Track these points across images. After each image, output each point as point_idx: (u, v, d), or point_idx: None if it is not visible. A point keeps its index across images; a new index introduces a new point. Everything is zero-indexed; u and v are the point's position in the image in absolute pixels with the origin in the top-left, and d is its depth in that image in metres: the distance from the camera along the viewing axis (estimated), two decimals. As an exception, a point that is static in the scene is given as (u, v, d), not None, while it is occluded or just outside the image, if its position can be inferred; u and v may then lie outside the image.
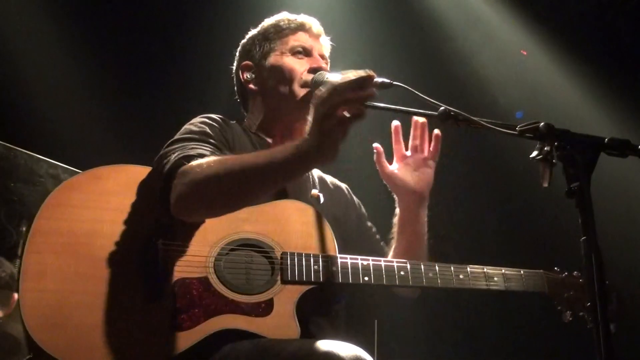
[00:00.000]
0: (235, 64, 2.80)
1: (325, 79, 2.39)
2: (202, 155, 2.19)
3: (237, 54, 2.81)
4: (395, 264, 2.40)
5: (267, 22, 2.79)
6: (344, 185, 2.83)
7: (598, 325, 1.56)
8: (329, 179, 2.79)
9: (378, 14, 5.26)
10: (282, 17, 2.77)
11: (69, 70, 5.04)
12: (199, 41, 5.22)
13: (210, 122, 2.49)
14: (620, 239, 4.49)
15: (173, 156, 2.19)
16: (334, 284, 2.31)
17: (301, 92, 2.58)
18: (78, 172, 3.85)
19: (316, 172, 2.76)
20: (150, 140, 2.87)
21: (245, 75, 2.71)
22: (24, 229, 3.90)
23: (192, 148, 2.25)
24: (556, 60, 5.13)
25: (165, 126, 2.67)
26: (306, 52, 2.68)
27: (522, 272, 2.58)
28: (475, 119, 1.98)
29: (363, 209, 2.82)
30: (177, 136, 2.36)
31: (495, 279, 2.52)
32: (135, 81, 5.09)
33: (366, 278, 2.33)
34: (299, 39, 2.70)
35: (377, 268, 2.36)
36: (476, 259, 2.58)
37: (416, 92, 2.41)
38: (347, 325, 2.55)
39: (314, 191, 2.60)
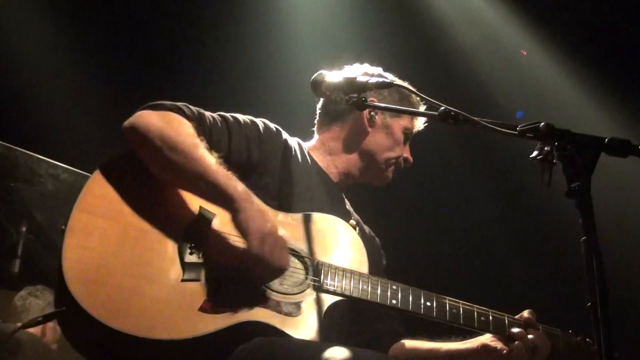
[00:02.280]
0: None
1: (324, 79, 2.39)
2: (188, 117, 2.30)
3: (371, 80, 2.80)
4: (422, 294, 2.44)
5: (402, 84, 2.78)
6: (377, 240, 2.87)
7: (598, 325, 1.56)
8: (367, 228, 2.84)
9: (378, 14, 5.26)
10: (413, 96, 2.81)
11: (70, 71, 5.04)
12: (201, 41, 5.22)
13: (254, 122, 2.53)
14: (620, 239, 4.49)
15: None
16: (363, 301, 2.35)
17: (387, 169, 2.78)
18: (78, 172, 3.89)
19: (355, 215, 2.81)
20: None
21: (367, 110, 2.73)
22: (24, 229, 3.91)
23: (197, 110, 2.37)
24: (556, 60, 5.13)
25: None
26: (408, 137, 2.84)
27: (540, 327, 2.56)
28: (475, 119, 1.98)
29: (385, 262, 2.84)
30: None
31: (514, 330, 2.52)
32: (136, 81, 5.08)
33: (394, 301, 2.38)
34: (416, 123, 2.86)
35: (405, 294, 2.41)
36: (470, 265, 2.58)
37: (416, 92, 2.41)
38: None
39: (352, 221, 2.64)
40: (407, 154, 2.83)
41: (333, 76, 2.37)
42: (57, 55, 5.05)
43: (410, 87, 2.50)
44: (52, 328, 3.99)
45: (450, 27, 5.26)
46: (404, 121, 2.80)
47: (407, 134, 2.82)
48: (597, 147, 1.72)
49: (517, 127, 1.84)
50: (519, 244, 5.28)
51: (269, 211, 2.32)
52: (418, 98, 2.72)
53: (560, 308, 4.73)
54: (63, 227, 2.11)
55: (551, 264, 5.09)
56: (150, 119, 2.25)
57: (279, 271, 2.18)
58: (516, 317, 2.57)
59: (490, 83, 5.24)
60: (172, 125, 2.25)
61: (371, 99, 2.66)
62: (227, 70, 5.16)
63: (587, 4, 5.07)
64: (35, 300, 3.95)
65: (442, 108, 2.03)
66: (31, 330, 4.01)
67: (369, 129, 2.75)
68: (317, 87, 2.40)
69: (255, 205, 2.19)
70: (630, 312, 4.29)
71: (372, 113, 2.75)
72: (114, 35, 5.12)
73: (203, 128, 2.35)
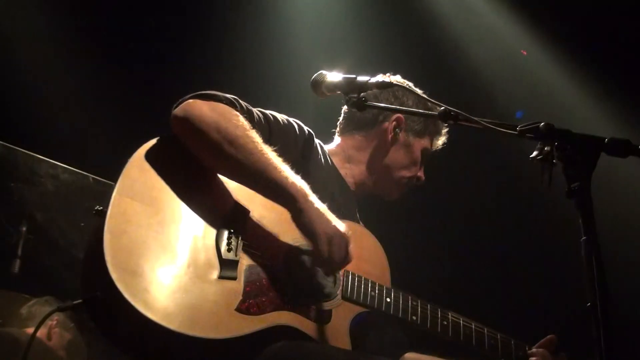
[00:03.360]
0: (383, 91, 2.73)
1: (324, 79, 2.39)
2: (242, 111, 2.27)
3: (401, 91, 2.76)
4: (439, 313, 2.46)
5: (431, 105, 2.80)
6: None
7: (598, 325, 1.56)
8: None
9: (378, 14, 5.26)
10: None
11: (69, 70, 5.04)
12: (201, 41, 5.22)
13: (291, 122, 2.53)
14: (620, 239, 4.48)
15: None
16: (386, 314, 2.37)
17: (406, 185, 2.82)
18: (78, 172, 3.89)
19: (361, 224, 2.79)
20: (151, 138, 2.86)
21: (392, 125, 2.78)
22: (24, 229, 3.91)
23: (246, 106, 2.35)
24: (556, 60, 5.13)
25: (166, 125, 2.66)
26: (425, 157, 2.86)
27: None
28: (475, 119, 1.98)
29: None
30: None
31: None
32: (136, 80, 5.08)
33: (414, 317, 2.41)
34: (435, 145, 2.89)
35: (424, 311, 2.43)
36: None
37: (416, 92, 2.42)
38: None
39: None
40: (421, 173, 2.85)
41: (333, 76, 2.37)
42: (57, 55, 5.05)
43: (411, 88, 2.50)
44: (58, 333, 3.97)
45: (450, 27, 5.26)
46: (425, 141, 2.83)
47: (425, 154, 2.85)
48: (597, 147, 1.72)
49: (517, 127, 1.84)
50: (518, 243, 5.28)
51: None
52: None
53: (561, 308, 4.73)
54: (99, 207, 2.07)
55: (551, 264, 5.09)
56: (203, 109, 2.20)
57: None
58: (540, 341, 2.60)
59: (490, 83, 5.24)
60: (229, 118, 2.21)
61: (399, 117, 2.73)
62: (226, 70, 5.15)
63: (587, 3, 5.06)
64: (42, 307, 3.93)
65: (442, 108, 2.04)
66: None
67: (391, 145, 2.78)
68: (317, 87, 2.40)
69: (315, 203, 2.19)
70: (630, 312, 4.29)
71: (396, 130, 2.77)
72: (114, 35, 5.12)
73: (251, 124, 2.31)
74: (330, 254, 2.15)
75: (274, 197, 2.22)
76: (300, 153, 2.49)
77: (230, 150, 2.15)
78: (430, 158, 2.92)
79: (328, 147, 2.78)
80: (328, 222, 2.18)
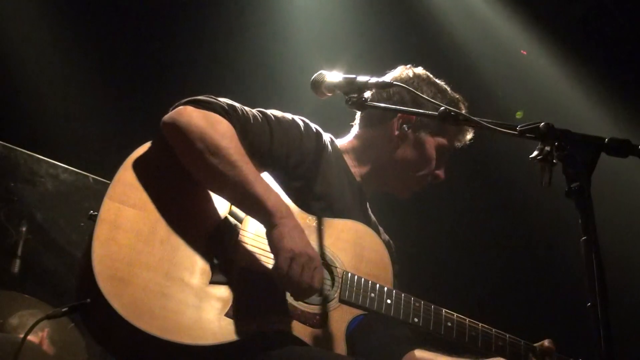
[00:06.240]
0: (396, 88, 2.60)
1: (324, 79, 2.38)
2: (230, 115, 2.22)
3: (414, 82, 2.68)
4: (444, 314, 2.39)
5: (451, 95, 2.73)
6: (392, 243, 2.81)
7: (598, 325, 1.55)
8: (382, 230, 2.79)
9: (378, 14, 5.26)
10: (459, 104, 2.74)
11: (69, 70, 5.04)
12: (201, 41, 5.22)
13: (295, 121, 2.48)
14: (621, 239, 4.49)
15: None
16: (386, 316, 2.31)
17: (418, 184, 2.71)
18: (78, 172, 3.89)
19: (373, 218, 2.78)
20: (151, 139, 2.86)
21: (399, 122, 2.66)
22: (24, 229, 3.91)
23: (241, 109, 2.29)
24: (556, 60, 5.13)
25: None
26: (445, 154, 2.74)
27: (556, 358, 2.52)
28: (475, 119, 1.98)
29: (397, 267, 2.79)
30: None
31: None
32: (136, 80, 5.08)
33: (416, 319, 2.33)
34: (458, 141, 2.75)
35: (427, 312, 2.36)
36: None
37: (416, 92, 2.41)
38: None
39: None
40: (439, 170, 2.72)
41: (333, 76, 2.36)
42: (57, 55, 5.05)
43: (411, 89, 2.48)
44: (47, 344, 3.96)
45: (450, 27, 5.25)
46: (441, 139, 2.69)
47: (444, 151, 2.71)
48: (597, 147, 1.72)
49: (517, 127, 1.84)
50: (517, 244, 5.28)
51: (304, 217, 2.27)
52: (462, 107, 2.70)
53: (560, 308, 4.73)
54: (92, 212, 2.06)
55: (551, 264, 5.09)
56: (192, 117, 2.17)
57: (309, 291, 2.11)
58: (535, 344, 2.52)
59: (490, 83, 5.24)
60: (216, 128, 2.16)
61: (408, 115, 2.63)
62: (226, 70, 5.15)
63: (587, 3, 5.07)
64: (32, 317, 3.92)
65: (442, 108, 2.03)
66: (30, 337, 3.98)
67: (399, 142, 2.66)
68: (317, 87, 2.38)
69: (292, 221, 2.12)
70: (630, 312, 4.29)
71: (404, 126, 2.65)
72: (114, 35, 5.12)
73: (246, 129, 2.28)
74: (290, 271, 2.04)
75: (251, 212, 2.18)
76: (306, 152, 2.43)
77: (212, 161, 2.12)
78: (453, 155, 2.79)
79: (340, 142, 2.71)
80: (300, 240, 2.09)
